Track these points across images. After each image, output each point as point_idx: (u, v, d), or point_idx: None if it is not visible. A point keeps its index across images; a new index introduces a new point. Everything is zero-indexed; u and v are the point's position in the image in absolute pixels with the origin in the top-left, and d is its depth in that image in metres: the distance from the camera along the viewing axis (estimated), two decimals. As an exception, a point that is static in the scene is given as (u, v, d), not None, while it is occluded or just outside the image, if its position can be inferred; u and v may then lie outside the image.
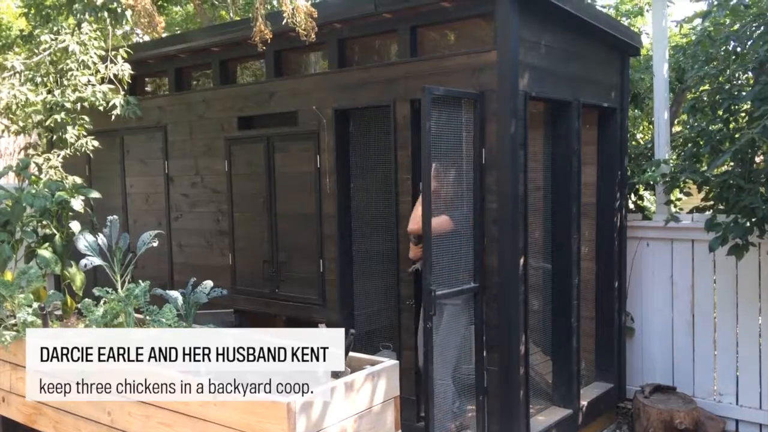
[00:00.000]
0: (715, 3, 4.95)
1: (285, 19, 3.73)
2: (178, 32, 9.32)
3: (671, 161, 5.42)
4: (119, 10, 4.03)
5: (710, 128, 4.72)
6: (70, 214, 3.99)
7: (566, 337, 4.61)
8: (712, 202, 4.94)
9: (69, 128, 4.12)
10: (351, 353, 2.96)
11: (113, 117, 4.11)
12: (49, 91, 4.19)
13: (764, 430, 4.90)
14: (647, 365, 5.42)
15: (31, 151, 4.46)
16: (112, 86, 4.19)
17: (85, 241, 3.38)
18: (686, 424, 4.68)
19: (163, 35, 4.75)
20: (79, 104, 4.16)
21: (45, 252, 3.77)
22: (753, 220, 4.28)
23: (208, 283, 3.50)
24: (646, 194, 5.90)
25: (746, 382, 4.97)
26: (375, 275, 4.80)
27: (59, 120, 4.07)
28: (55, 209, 3.90)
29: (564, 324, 4.63)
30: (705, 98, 4.90)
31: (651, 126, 5.88)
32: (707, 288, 5.15)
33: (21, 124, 4.42)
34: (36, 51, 4.12)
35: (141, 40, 8.90)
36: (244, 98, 5.20)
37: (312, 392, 2.53)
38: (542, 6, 4.09)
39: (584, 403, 4.71)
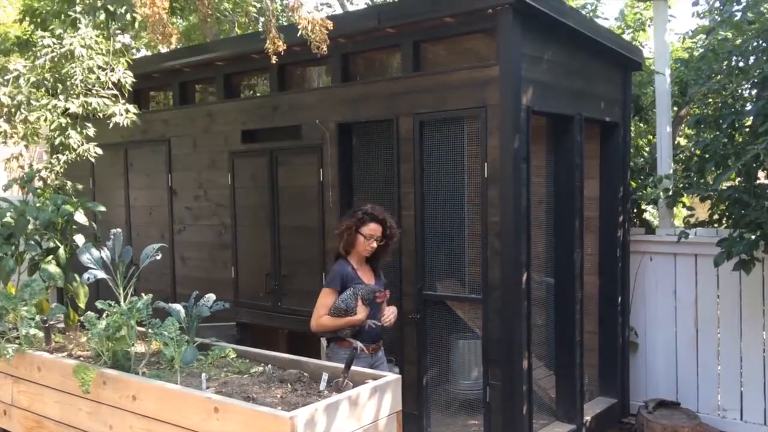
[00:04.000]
0: (719, 19, 4.97)
1: (299, 31, 3.76)
2: (182, 46, 9.37)
3: (677, 175, 5.42)
4: (119, 11, 4.04)
5: (716, 143, 4.72)
6: (74, 227, 4.00)
7: (569, 351, 4.59)
8: (717, 217, 4.93)
9: (73, 132, 4.11)
10: (353, 367, 2.95)
11: (111, 125, 4.10)
12: (53, 95, 4.18)
13: (769, 446, 4.87)
14: (651, 380, 5.39)
15: (14, 163, 4.43)
16: (115, 92, 4.20)
17: (88, 255, 3.38)
18: (691, 440, 4.65)
19: (172, 47, 4.74)
20: (82, 110, 4.15)
21: (50, 266, 3.77)
22: (758, 234, 4.27)
23: (211, 296, 3.50)
24: (648, 208, 5.90)
25: (751, 397, 4.94)
26: (377, 289, 4.78)
27: (63, 125, 4.07)
28: (59, 222, 3.90)
29: (567, 338, 4.61)
30: (709, 113, 4.91)
31: (654, 139, 5.89)
32: (711, 303, 5.13)
33: (21, 130, 4.39)
34: (38, 54, 4.12)
35: (141, 53, 8.96)
36: (248, 112, 5.22)
37: (315, 407, 2.52)
38: (544, 21, 4.12)
39: (588, 418, 4.68)
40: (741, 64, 4.79)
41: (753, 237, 4.32)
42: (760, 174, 4.71)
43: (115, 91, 4.30)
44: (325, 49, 3.83)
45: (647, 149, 6.18)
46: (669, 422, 4.75)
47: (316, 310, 3.75)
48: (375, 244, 3.76)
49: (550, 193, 4.67)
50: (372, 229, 3.75)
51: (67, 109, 4.08)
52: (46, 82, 4.18)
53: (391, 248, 3.90)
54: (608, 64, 5.02)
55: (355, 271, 3.78)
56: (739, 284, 4.95)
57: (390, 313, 3.76)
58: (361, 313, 3.63)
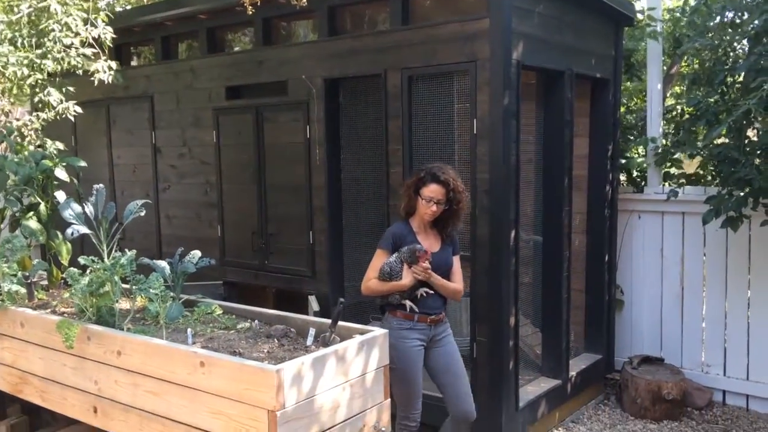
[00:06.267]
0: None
1: None
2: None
3: (666, 132, 5.38)
4: None
5: (707, 100, 4.68)
6: (55, 183, 3.93)
7: (556, 309, 4.61)
8: (704, 174, 4.91)
9: (53, 90, 4.01)
10: (340, 322, 2.94)
11: (96, 82, 4.00)
12: (37, 48, 4.07)
13: (751, 401, 4.94)
14: (636, 337, 5.44)
15: (2, 118, 4.34)
16: (95, 50, 4.09)
17: (70, 210, 3.32)
18: (674, 394, 4.71)
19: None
20: (60, 68, 4.04)
21: (31, 222, 3.71)
22: (747, 191, 4.26)
23: (196, 253, 3.47)
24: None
25: (734, 353, 5.00)
26: (365, 247, 4.76)
27: (41, 82, 3.97)
28: (39, 178, 3.83)
29: (554, 296, 4.62)
30: (701, 70, 4.85)
31: (644, 97, 5.83)
32: (697, 261, 5.16)
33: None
34: (14, 9, 3.99)
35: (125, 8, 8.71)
36: (232, 67, 5.10)
37: (302, 360, 2.50)
38: (536, -27, 4.02)
39: (573, 374, 4.73)
40: (733, 16, 4.71)
41: (742, 194, 4.32)
42: (751, 133, 4.69)
43: (95, 49, 4.19)
44: (304, 1, 3.72)
45: (637, 106, 6.14)
46: (653, 378, 4.81)
47: (366, 273, 3.47)
48: (435, 208, 3.35)
49: (539, 150, 4.62)
50: (432, 190, 3.34)
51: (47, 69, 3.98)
52: (23, 39, 4.06)
53: (462, 213, 3.48)
54: (600, 18, 4.93)
55: (413, 234, 3.43)
56: (725, 242, 4.97)
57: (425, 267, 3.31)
58: (407, 277, 3.31)
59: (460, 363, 3.53)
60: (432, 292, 3.40)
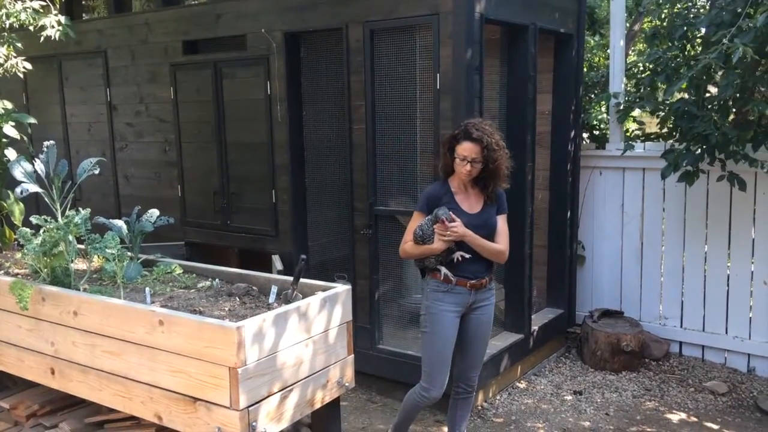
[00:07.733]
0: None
1: None
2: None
3: (627, 89, 5.40)
4: None
5: (667, 55, 4.68)
6: (5, 141, 3.78)
7: (519, 265, 4.65)
8: (666, 131, 4.95)
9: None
10: (303, 279, 2.92)
11: (42, 38, 3.83)
12: None
13: (706, 351, 5.10)
14: (597, 292, 5.55)
15: None
16: (43, 3, 3.90)
17: (20, 168, 3.20)
18: (632, 346, 4.84)
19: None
20: (8, 23, 3.86)
21: (-21, 182, 3.57)
22: (704, 147, 4.31)
23: (154, 212, 3.40)
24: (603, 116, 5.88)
25: (690, 306, 5.13)
26: (329, 205, 4.73)
27: None
28: (-13, 136, 3.68)
29: (517, 252, 4.64)
30: (663, 24, 4.84)
31: (607, 53, 5.82)
32: (656, 216, 5.25)
33: None
34: None
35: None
36: (189, 21, 4.93)
37: (263, 317, 2.48)
38: (500, -77, 3.94)
39: (535, 328, 4.81)
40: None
41: (699, 150, 4.37)
42: (712, 89, 4.72)
43: (44, 2, 4.00)
44: None
45: (599, 63, 6.14)
46: (612, 330, 4.93)
47: (404, 235, 3.33)
48: (470, 167, 3.15)
49: (502, 106, 4.60)
50: (465, 149, 3.13)
51: None
52: None
53: (502, 172, 3.25)
54: (564, -28, 4.88)
55: (451, 195, 3.26)
56: (684, 197, 5.05)
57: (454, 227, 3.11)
58: (437, 242, 3.15)
59: (487, 334, 3.44)
60: (469, 256, 3.22)
